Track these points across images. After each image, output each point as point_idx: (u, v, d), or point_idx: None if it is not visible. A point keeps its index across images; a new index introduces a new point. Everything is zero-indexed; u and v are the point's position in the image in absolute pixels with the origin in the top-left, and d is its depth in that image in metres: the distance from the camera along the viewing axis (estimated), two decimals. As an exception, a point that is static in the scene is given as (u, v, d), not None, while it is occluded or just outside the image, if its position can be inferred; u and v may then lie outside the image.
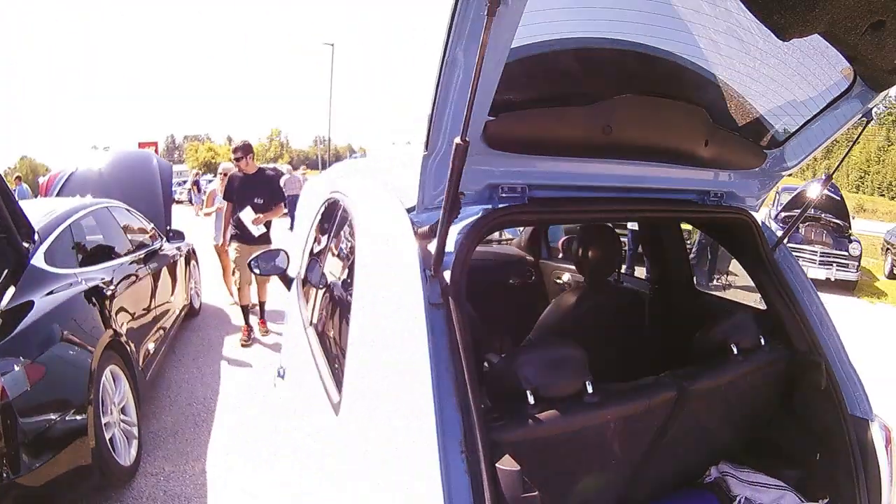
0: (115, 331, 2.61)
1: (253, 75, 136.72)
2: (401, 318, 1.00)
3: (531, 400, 1.01)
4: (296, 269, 2.58)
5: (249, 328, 4.49)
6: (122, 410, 2.55)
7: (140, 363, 2.96)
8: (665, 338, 1.99)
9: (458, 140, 0.80)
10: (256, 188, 4.26)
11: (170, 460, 2.75)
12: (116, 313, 2.82)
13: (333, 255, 1.68)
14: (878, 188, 37.05)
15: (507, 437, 0.96)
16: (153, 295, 3.60)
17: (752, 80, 1.30)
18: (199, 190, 14.85)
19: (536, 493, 0.96)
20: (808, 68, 1.22)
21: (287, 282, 2.66)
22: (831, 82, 1.26)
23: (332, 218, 1.67)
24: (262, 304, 4.71)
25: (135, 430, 2.62)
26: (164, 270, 4.03)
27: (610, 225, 2.34)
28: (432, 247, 1.00)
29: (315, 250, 2.33)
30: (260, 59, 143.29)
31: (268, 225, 4.37)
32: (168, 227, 4.84)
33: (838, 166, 1.52)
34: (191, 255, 5.12)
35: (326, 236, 1.74)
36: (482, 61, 0.73)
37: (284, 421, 1.64)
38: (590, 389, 1.07)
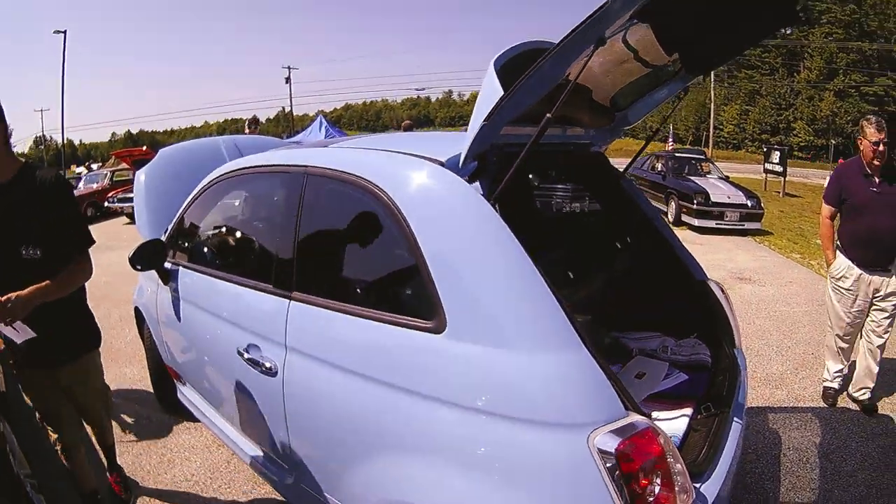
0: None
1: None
2: (488, 238, 1.25)
3: None
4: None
5: (118, 478, 2.39)
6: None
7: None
8: None
9: (549, 115, 1.18)
10: (20, 216, 1.69)
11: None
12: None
13: (313, 222, 1.72)
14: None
15: None
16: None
17: (613, 71, 1.90)
18: None
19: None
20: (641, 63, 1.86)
21: (165, 274, 2.44)
22: (662, 70, 1.93)
23: (300, 192, 1.72)
24: (109, 449, 2.37)
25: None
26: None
27: None
28: None
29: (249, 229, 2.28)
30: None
31: (61, 304, 1.73)
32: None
33: (662, 124, 2.33)
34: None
35: (289, 212, 1.76)
36: (583, 69, 1.14)
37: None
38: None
